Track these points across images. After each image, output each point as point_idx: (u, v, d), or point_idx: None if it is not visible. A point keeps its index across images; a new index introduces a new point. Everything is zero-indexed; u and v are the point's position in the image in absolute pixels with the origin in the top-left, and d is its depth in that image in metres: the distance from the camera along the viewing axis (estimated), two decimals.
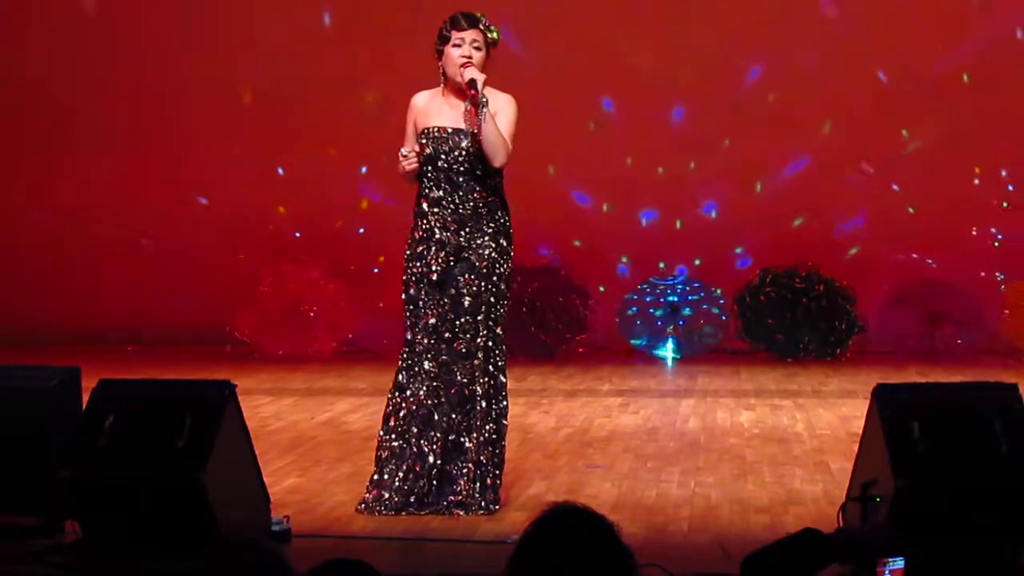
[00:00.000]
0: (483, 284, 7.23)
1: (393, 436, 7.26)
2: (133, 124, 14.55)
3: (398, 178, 7.43)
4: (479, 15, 7.33)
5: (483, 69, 7.25)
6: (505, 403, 7.32)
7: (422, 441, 7.21)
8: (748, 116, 14.03)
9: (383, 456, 7.27)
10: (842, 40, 14.03)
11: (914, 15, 13.92)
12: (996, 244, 14.20)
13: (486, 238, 7.25)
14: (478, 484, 7.16)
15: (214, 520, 6.07)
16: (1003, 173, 14.17)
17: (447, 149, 7.27)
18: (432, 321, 7.24)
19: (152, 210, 14.56)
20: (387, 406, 7.34)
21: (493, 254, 7.25)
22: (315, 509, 7.31)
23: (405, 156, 7.30)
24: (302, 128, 14.33)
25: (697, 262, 14.39)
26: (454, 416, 7.21)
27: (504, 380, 7.33)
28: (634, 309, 14.14)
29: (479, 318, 7.22)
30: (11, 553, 6.36)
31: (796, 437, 9.47)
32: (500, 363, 7.29)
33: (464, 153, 7.24)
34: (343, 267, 14.10)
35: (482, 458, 7.18)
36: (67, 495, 6.28)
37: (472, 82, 7.17)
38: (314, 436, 9.57)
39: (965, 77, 14.04)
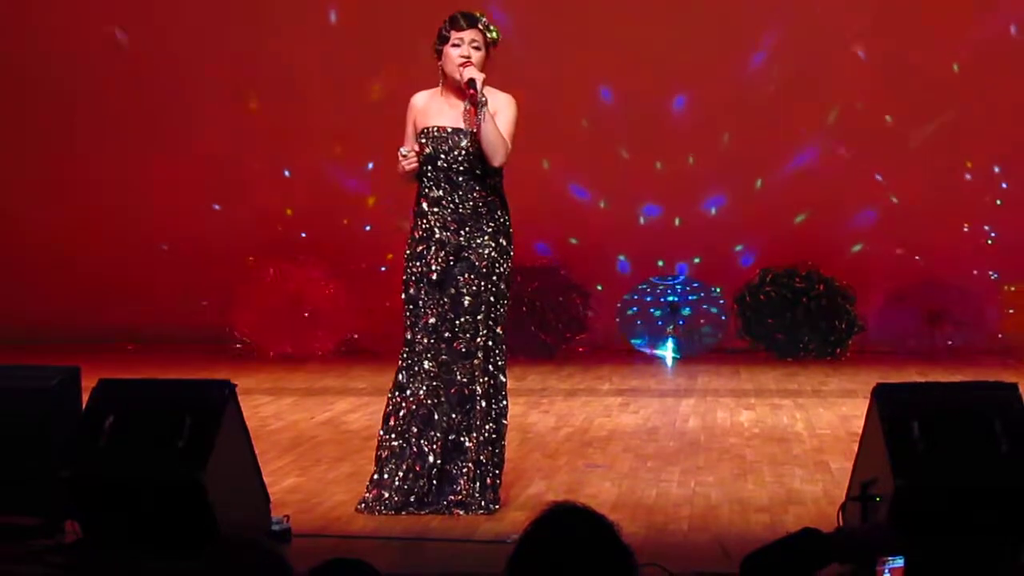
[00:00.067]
0: (483, 284, 7.23)
1: (393, 436, 7.26)
2: (135, 125, 14.54)
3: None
4: (478, 15, 7.33)
5: (482, 69, 7.25)
6: (505, 403, 7.32)
7: (422, 441, 7.21)
8: (748, 111, 14.01)
9: (383, 456, 7.27)
10: (841, 33, 14.02)
11: (912, 12, 13.92)
12: (989, 242, 14.20)
13: (486, 237, 7.25)
14: (478, 484, 7.16)
15: (214, 520, 6.07)
16: (996, 170, 14.17)
17: (447, 149, 7.27)
18: (432, 321, 7.25)
19: (153, 211, 14.55)
20: (387, 406, 7.34)
21: (493, 253, 7.25)
22: (315, 509, 7.31)
23: (404, 156, 7.30)
24: (307, 128, 14.33)
25: (697, 260, 14.39)
26: (454, 416, 7.21)
27: (504, 380, 7.33)
28: (634, 309, 14.14)
29: (479, 318, 7.22)
30: (11, 553, 6.36)
31: (796, 436, 9.48)
32: (500, 363, 7.30)
33: (464, 153, 7.24)
34: (350, 266, 14.06)
35: (482, 457, 7.18)
36: (67, 495, 6.28)
37: (471, 82, 7.17)
38: (314, 436, 9.57)
39: (955, 67, 14.03)
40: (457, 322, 7.23)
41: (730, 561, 5.87)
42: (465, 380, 7.21)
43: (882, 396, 6.16)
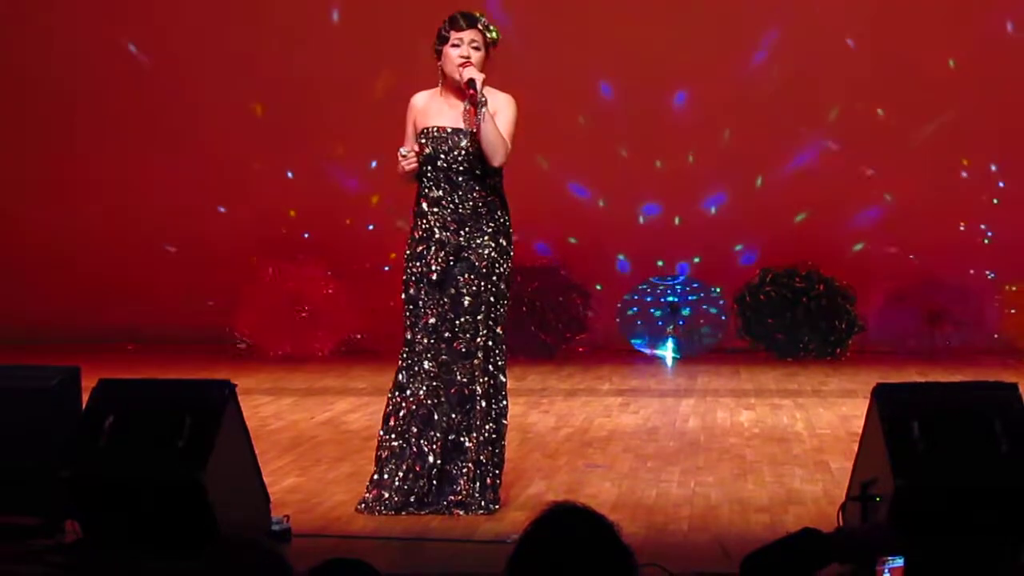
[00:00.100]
0: (483, 284, 7.23)
1: (393, 436, 7.26)
2: (136, 125, 14.54)
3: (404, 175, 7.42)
4: (478, 15, 7.33)
5: (482, 69, 7.25)
6: (505, 403, 7.32)
7: (422, 441, 7.21)
8: (749, 108, 14.01)
9: (383, 456, 7.27)
10: (841, 32, 14.02)
11: (909, 10, 13.93)
12: (986, 241, 14.21)
13: (486, 238, 7.25)
14: (478, 484, 7.16)
15: (214, 520, 6.07)
16: (992, 168, 14.18)
17: (446, 149, 7.27)
18: (432, 321, 7.25)
19: (154, 211, 14.55)
20: (387, 406, 7.34)
21: (493, 254, 7.25)
22: (315, 509, 7.31)
23: (404, 156, 7.31)
24: (309, 128, 14.32)
25: (696, 260, 14.38)
26: (454, 416, 7.21)
27: (504, 380, 7.33)
28: (634, 309, 14.14)
29: (479, 318, 7.22)
30: (11, 553, 6.36)
31: (796, 436, 9.48)
32: (500, 363, 7.30)
33: (463, 153, 7.25)
34: (353, 266, 14.05)
35: (482, 458, 7.18)
36: (67, 495, 6.28)
37: (471, 82, 7.17)
38: (314, 436, 9.57)
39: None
40: (457, 322, 7.23)
41: (730, 561, 5.87)
42: (465, 380, 7.21)
43: (882, 396, 6.16)
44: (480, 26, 7.28)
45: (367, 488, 7.27)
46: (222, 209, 14.69)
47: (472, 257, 7.24)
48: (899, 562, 5.07)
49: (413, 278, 7.30)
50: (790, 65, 14.05)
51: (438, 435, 7.19)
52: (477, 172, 7.25)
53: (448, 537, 6.73)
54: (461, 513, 7.11)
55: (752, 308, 13.77)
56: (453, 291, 7.25)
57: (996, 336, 13.93)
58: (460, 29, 7.27)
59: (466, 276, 7.24)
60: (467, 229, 7.25)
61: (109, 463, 6.29)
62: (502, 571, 3.60)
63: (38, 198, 14.64)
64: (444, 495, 7.17)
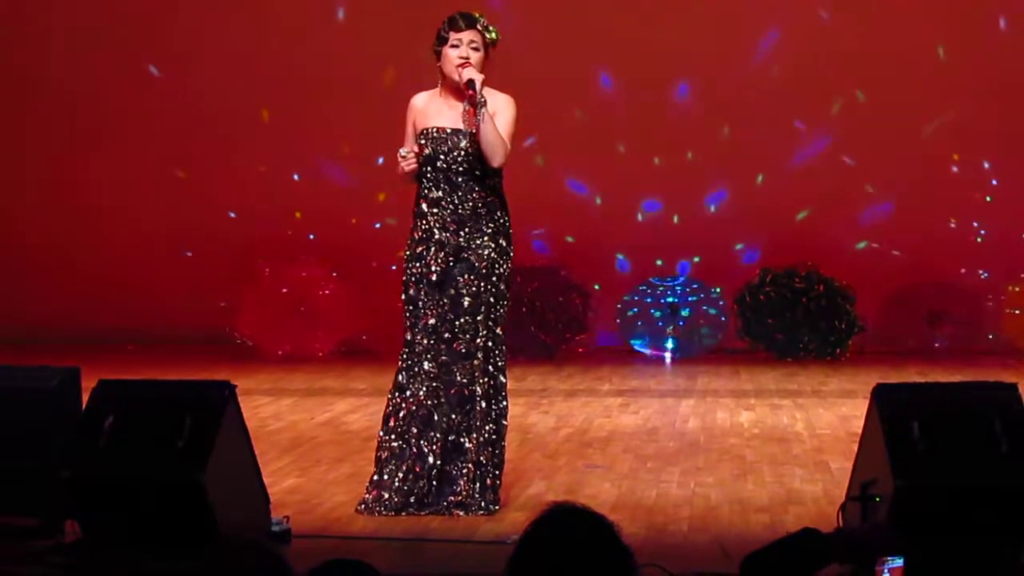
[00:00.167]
0: (482, 284, 7.23)
1: (393, 436, 7.26)
2: (137, 125, 14.55)
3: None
4: (477, 15, 7.33)
5: (481, 69, 7.25)
6: (505, 403, 7.32)
7: (422, 441, 7.21)
8: (748, 106, 14.01)
9: (383, 456, 7.27)
10: (839, 31, 14.03)
11: (905, 6, 13.95)
12: (979, 240, 14.21)
13: (485, 238, 7.25)
14: (478, 484, 7.16)
15: (214, 520, 6.07)
16: (985, 165, 14.18)
17: (446, 149, 7.27)
18: (432, 321, 7.25)
19: (155, 212, 14.55)
20: (387, 406, 7.34)
21: (492, 254, 7.25)
22: (315, 509, 7.31)
23: (404, 157, 7.31)
24: (315, 128, 14.30)
25: (696, 259, 14.38)
26: (454, 416, 7.21)
27: (504, 380, 7.33)
28: (634, 310, 14.13)
29: (479, 318, 7.22)
30: (11, 553, 6.36)
31: (796, 437, 9.48)
32: (500, 363, 7.30)
33: (463, 153, 7.25)
34: (359, 265, 14.02)
35: (482, 458, 7.18)
36: (67, 495, 6.28)
37: (470, 82, 7.17)
38: (314, 436, 9.57)
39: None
40: (457, 323, 7.23)
41: (730, 561, 5.87)
42: (465, 381, 7.21)
43: (882, 396, 6.16)
44: (479, 27, 7.28)
45: (367, 489, 7.27)
46: (232, 215, 14.66)
47: (472, 258, 7.24)
48: (899, 562, 5.07)
49: (413, 279, 7.30)
50: (789, 63, 14.04)
51: (438, 436, 7.19)
52: (477, 173, 7.25)
53: (448, 538, 6.73)
54: (461, 514, 7.11)
55: (752, 308, 13.77)
56: (453, 292, 7.25)
57: (994, 336, 13.92)
58: (459, 30, 7.27)
59: (466, 277, 7.24)
60: (467, 230, 7.25)
61: (109, 464, 6.29)
62: (502, 572, 3.60)
63: (38, 198, 14.64)
64: (444, 496, 7.17)
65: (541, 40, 13.74)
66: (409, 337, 7.30)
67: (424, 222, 7.30)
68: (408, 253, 7.34)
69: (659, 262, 14.36)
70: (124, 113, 14.53)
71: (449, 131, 7.28)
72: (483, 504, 7.15)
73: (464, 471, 7.16)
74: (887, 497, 5.87)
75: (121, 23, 14.54)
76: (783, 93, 14.06)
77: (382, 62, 14.02)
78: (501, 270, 7.28)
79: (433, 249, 7.26)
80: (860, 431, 6.55)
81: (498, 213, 7.30)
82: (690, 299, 14.08)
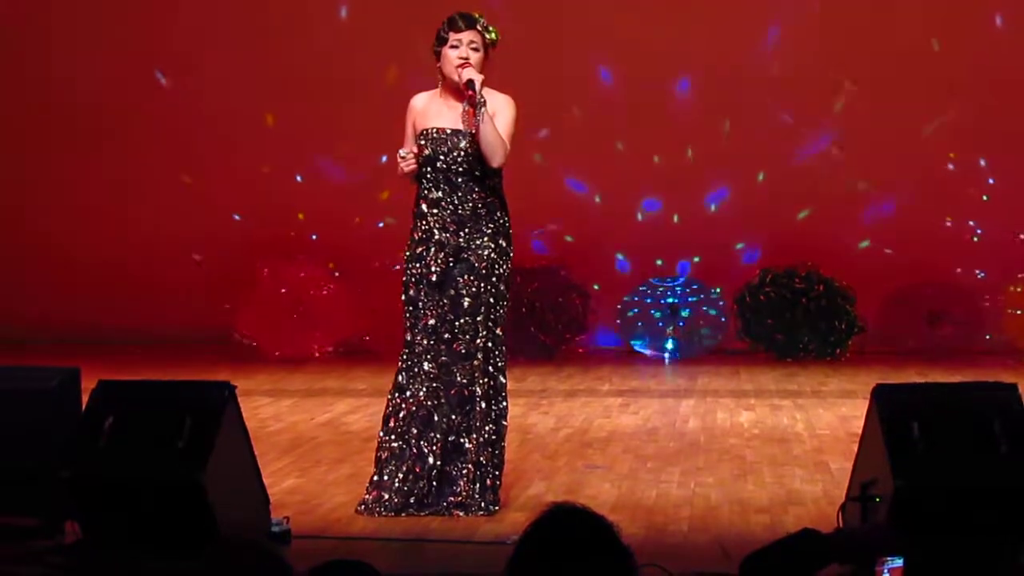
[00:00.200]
0: (482, 285, 7.23)
1: (393, 437, 7.26)
2: (137, 125, 14.54)
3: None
4: (477, 16, 7.33)
5: (481, 70, 7.25)
6: (505, 404, 7.32)
7: (422, 442, 7.21)
8: (748, 106, 14.00)
9: (383, 457, 7.27)
10: (840, 28, 14.04)
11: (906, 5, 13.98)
12: (974, 239, 14.21)
13: (485, 239, 7.25)
14: (478, 485, 7.16)
15: (214, 521, 6.07)
16: (982, 163, 14.18)
17: (446, 150, 7.27)
18: (432, 322, 7.25)
19: (157, 212, 14.55)
20: (387, 407, 7.34)
21: (492, 255, 7.25)
22: (315, 510, 7.32)
23: (403, 158, 7.31)
24: (318, 127, 14.28)
25: (696, 260, 14.37)
26: (454, 417, 7.21)
27: (504, 381, 7.33)
28: (634, 310, 14.13)
29: (478, 319, 7.22)
30: (11, 554, 6.36)
31: (796, 437, 9.48)
32: (500, 364, 7.30)
33: (463, 154, 7.25)
34: (362, 265, 14.00)
35: (482, 459, 7.18)
36: (67, 496, 6.28)
37: (470, 83, 7.17)
38: (314, 437, 9.57)
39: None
40: (457, 323, 7.23)
41: (730, 562, 5.88)
42: (465, 381, 7.21)
43: (882, 397, 6.16)
44: (479, 27, 7.28)
45: (367, 489, 7.27)
46: (237, 217, 14.66)
47: (472, 258, 7.24)
48: (898, 563, 5.08)
49: (413, 279, 7.31)
50: (790, 63, 14.04)
51: (438, 436, 7.20)
52: (476, 173, 7.25)
53: (448, 538, 6.73)
54: (461, 514, 7.11)
55: (752, 309, 13.77)
56: (453, 292, 7.25)
57: (989, 337, 13.92)
58: (459, 30, 7.27)
59: (466, 277, 7.24)
60: (467, 230, 7.25)
61: (109, 464, 6.29)
62: (502, 572, 3.60)
63: (38, 198, 14.63)
64: (444, 496, 7.17)
65: (541, 39, 13.72)
66: (409, 338, 7.30)
67: (424, 223, 7.31)
68: (408, 254, 7.35)
69: (659, 262, 14.36)
70: (125, 113, 14.53)
71: (449, 132, 7.28)
72: (483, 505, 7.15)
73: (464, 472, 7.16)
74: (887, 497, 5.87)
75: (121, 23, 14.54)
76: (783, 93, 14.06)
77: (385, 60, 14.00)
78: (501, 270, 7.29)
79: (433, 250, 7.26)
80: (860, 431, 6.55)
81: (498, 214, 7.30)
82: (690, 299, 14.08)
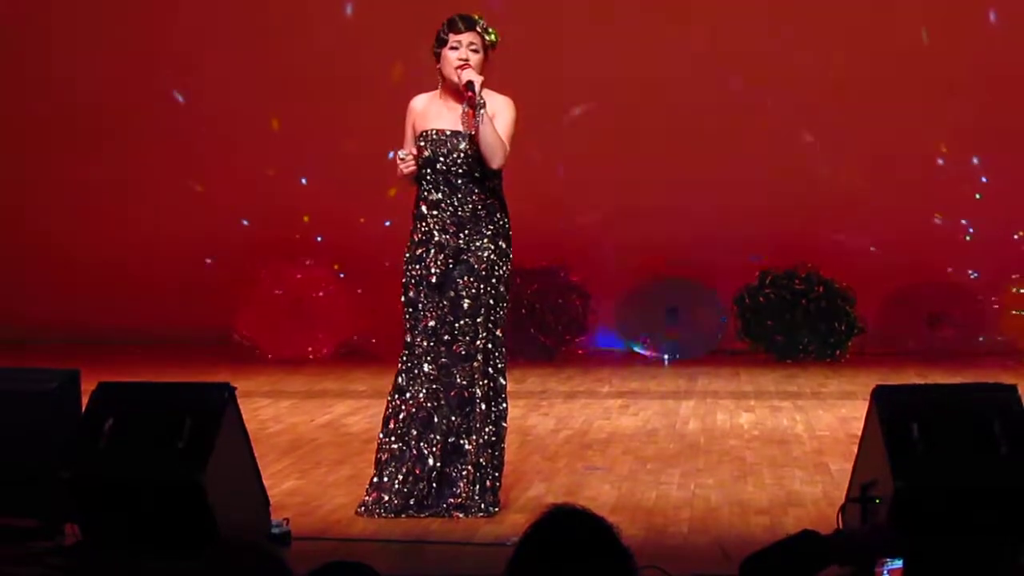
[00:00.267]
0: (482, 286, 7.23)
1: (393, 439, 7.26)
2: (138, 125, 14.54)
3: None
4: (476, 17, 7.33)
5: (481, 71, 7.25)
6: (505, 405, 7.32)
7: (422, 443, 7.21)
8: (748, 106, 14.00)
9: (383, 458, 7.27)
10: (838, 27, 14.04)
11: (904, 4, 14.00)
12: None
13: (485, 240, 7.25)
14: (478, 486, 7.16)
15: (214, 522, 6.07)
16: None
17: (445, 152, 7.27)
18: (431, 324, 7.25)
19: (158, 214, 14.55)
20: (386, 408, 7.34)
21: (492, 256, 7.26)
22: (315, 511, 7.32)
23: (403, 159, 7.31)
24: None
25: (696, 260, 14.36)
26: (454, 418, 7.21)
27: (504, 382, 7.33)
28: (634, 311, 14.12)
29: (478, 320, 7.22)
30: (11, 555, 6.36)
31: (796, 438, 9.48)
32: (500, 365, 7.30)
33: (462, 155, 7.25)
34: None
35: (481, 460, 7.18)
36: (67, 497, 6.28)
37: (469, 84, 7.17)
38: (313, 438, 9.57)
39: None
40: (456, 325, 7.23)
41: (730, 563, 5.87)
42: (465, 383, 7.21)
43: (882, 398, 6.16)
44: (479, 28, 7.28)
45: (367, 491, 7.27)
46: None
47: (471, 260, 7.24)
48: (898, 564, 5.08)
49: (413, 281, 7.31)
50: (791, 63, 14.03)
51: (438, 438, 7.19)
52: (476, 175, 7.26)
53: (448, 540, 6.73)
54: (461, 516, 7.11)
55: (751, 310, 13.77)
56: (452, 294, 7.25)
57: (983, 339, 13.92)
58: (458, 32, 7.27)
59: (465, 279, 7.24)
60: (466, 232, 7.25)
61: (109, 465, 6.29)
62: (502, 574, 3.60)
63: (39, 198, 14.63)
64: (444, 498, 7.17)
65: (541, 38, 13.72)
66: (409, 339, 7.30)
67: (424, 224, 7.31)
68: (408, 255, 7.35)
69: (659, 263, 14.33)
70: (125, 113, 14.52)
71: (449, 133, 7.28)
72: (483, 506, 7.15)
73: (464, 473, 7.16)
74: (887, 499, 5.87)
75: (121, 23, 14.53)
76: (784, 94, 14.06)
77: (389, 57, 13.97)
78: (501, 272, 7.29)
79: (433, 251, 7.26)
80: (860, 433, 6.55)
81: (498, 215, 7.30)
82: (690, 300, 14.07)
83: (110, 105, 14.52)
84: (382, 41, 14.03)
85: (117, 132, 14.54)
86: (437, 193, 7.28)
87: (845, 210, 14.13)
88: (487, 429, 7.21)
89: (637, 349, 14.04)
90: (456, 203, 7.26)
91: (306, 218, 14.60)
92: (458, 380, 7.21)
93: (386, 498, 7.17)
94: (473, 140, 7.21)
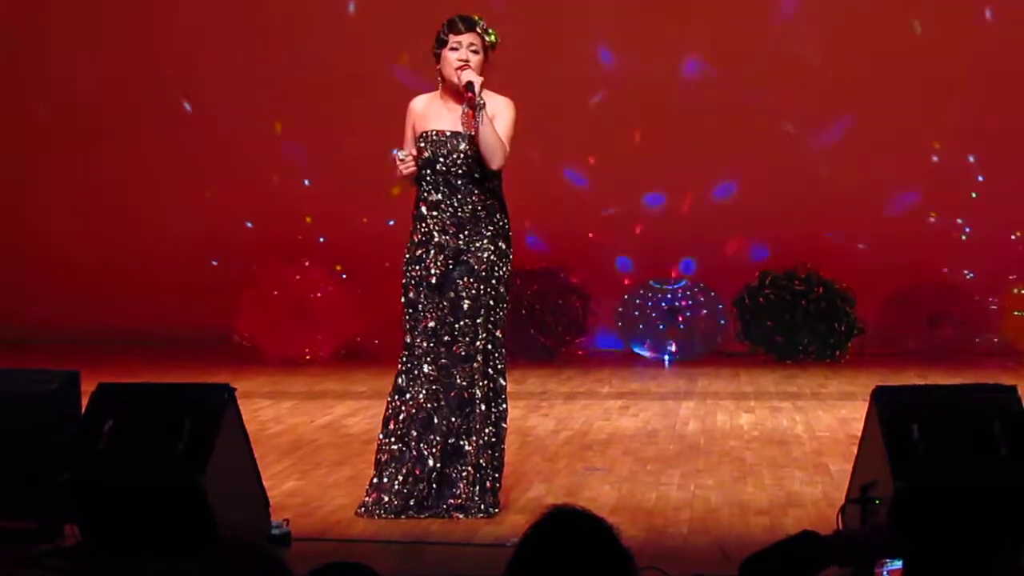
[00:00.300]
0: (482, 287, 7.23)
1: (393, 439, 7.26)
2: (139, 125, 14.55)
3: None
4: (476, 18, 7.33)
5: (481, 72, 7.26)
6: (504, 406, 7.32)
7: (422, 444, 7.21)
8: (747, 107, 14.01)
9: (383, 459, 7.27)
10: (834, 26, 14.04)
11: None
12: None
13: (485, 241, 7.25)
14: (477, 487, 7.16)
15: (214, 523, 6.07)
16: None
17: (445, 152, 7.27)
18: (431, 324, 7.25)
19: (159, 215, 14.55)
20: (386, 409, 7.34)
21: (492, 257, 7.26)
22: (315, 512, 7.32)
23: (402, 160, 7.31)
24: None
25: (696, 261, 14.37)
26: (454, 419, 7.21)
27: (504, 383, 7.33)
28: (634, 312, 14.13)
29: (478, 321, 7.22)
30: (11, 557, 6.36)
31: (796, 439, 9.48)
32: (500, 366, 7.30)
33: (462, 156, 7.25)
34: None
35: (481, 461, 7.18)
36: (67, 498, 6.28)
37: (469, 85, 7.17)
38: (313, 439, 9.57)
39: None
40: (456, 326, 7.23)
41: (730, 564, 5.87)
42: (465, 384, 7.21)
43: (881, 398, 6.16)
44: (479, 29, 7.28)
45: (367, 492, 7.27)
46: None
47: (471, 260, 7.24)
48: (897, 564, 5.08)
49: (412, 282, 7.31)
50: (790, 64, 14.04)
51: (438, 439, 7.19)
52: (476, 175, 7.26)
53: (448, 541, 6.73)
54: (461, 517, 7.11)
55: (751, 311, 13.77)
56: (452, 295, 7.25)
57: (978, 340, 13.93)
58: (459, 32, 7.27)
59: (465, 279, 7.24)
60: (466, 233, 7.25)
61: (109, 467, 6.29)
62: (502, 574, 3.60)
63: (39, 199, 14.63)
64: (444, 499, 7.17)
65: (541, 38, 13.72)
66: (409, 340, 7.30)
67: (424, 225, 7.31)
68: (408, 256, 7.35)
69: (659, 264, 14.34)
70: (125, 113, 14.53)
71: (448, 134, 7.28)
72: (483, 507, 7.15)
73: (464, 474, 7.16)
74: (887, 499, 5.87)
75: (121, 23, 14.53)
76: (784, 95, 14.06)
77: (393, 54, 13.97)
78: (501, 273, 7.29)
79: (433, 252, 7.27)
80: (860, 433, 6.55)
81: (497, 216, 7.30)
82: (690, 302, 14.08)
83: (110, 105, 14.52)
84: (384, 40, 14.02)
85: (117, 132, 14.55)
86: (437, 194, 7.28)
87: (845, 211, 14.12)
88: (487, 430, 7.21)
89: (637, 350, 14.05)
90: (456, 204, 7.26)
91: (308, 219, 14.60)
92: (458, 381, 7.21)
93: (386, 499, 7.17)
94: (473, 141, 7.21)
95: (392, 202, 13.94)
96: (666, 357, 13.91)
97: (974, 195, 14.19)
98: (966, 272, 14.16)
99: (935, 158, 14.21)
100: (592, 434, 9.73)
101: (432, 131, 7.31)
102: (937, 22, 13.97)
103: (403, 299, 7.33)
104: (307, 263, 14.13)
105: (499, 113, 7.25)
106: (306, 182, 14.62)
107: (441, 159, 7.27)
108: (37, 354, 12.36)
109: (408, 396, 7.25)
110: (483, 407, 7.20)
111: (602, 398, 11.50)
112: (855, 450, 6.58)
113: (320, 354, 13.96)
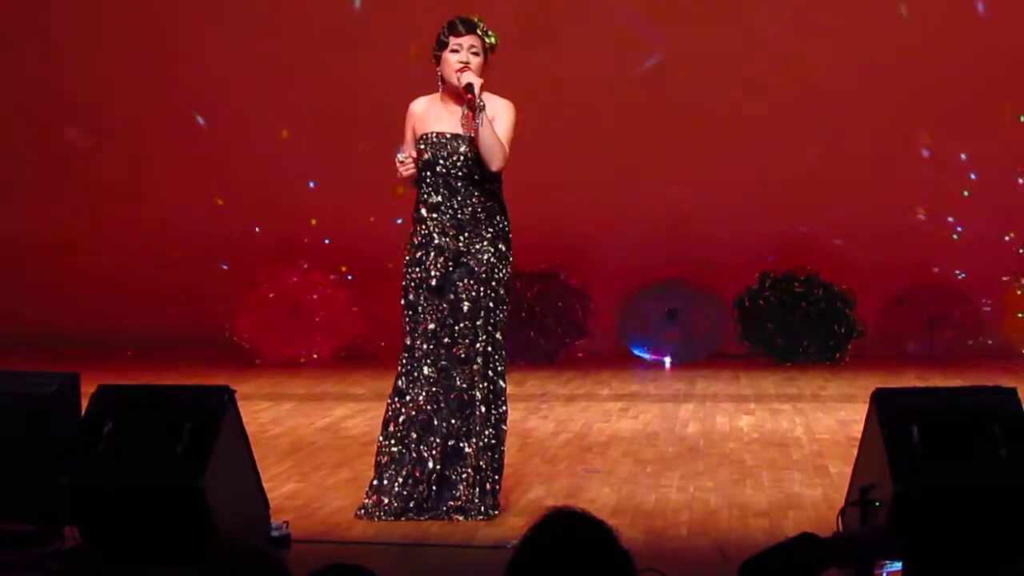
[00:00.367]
0: (482, 289, 7.24)
1: (392, 441, 7.26)
2: (139, 125, 14.53)
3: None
4: (477, 20, 7.34)
5: (481, 74, 7.26)
6: (504, 408, 7.32)
7: (421, 446, 7.21)
8: (748, 108, 14.01)
9: (382, 461, 7.27)
10: (834, 30, 14.04)
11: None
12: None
13: (485, 243, 7.26)
14: (477, 489, 7.16)
15: (213, 526, 6.07)
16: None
17: (445, 154, 7.27)
18: (431, 326, 7.25)
19: (159, 217, 14.54)
20: (386, 411, 7.34)
21: (492, 259, 7.26)
22: (314, 514, 7.32)
23: (402, 162, 7.32)
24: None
25: (696, 263, 14.36)
26: (453, 421, 7.21)
27: (503, 385, 7.33)
28: (634, 314, 14.12)
29: (478, 323, 7.22)
30: (11, 559, 6.36)
31: (795, 441, 9.48)
32: (499, 368, 7.30)
33: (462, 158, 7.25)
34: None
35: (481, 463, 7.18)
36: (66, 501, 6.28)
37: (469, 86, 7.18)
38: (313, 441, 9.57)
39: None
40: (456, 328, 7.23)
41: (729, 566, 5.87)
42: (465, 386, 7.21)
43: (881, 400, 6.16)
44: (479, 31, 7.29)
45: (367, 494, 7.27)
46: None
47: (471, 262, 7.24)
48: (897, 566, 5.08)
49: (412, 284, 7.31)
50: (791, 65, 14.03)
51: (438, 441, 7.20)
52: (476, 177, 7.26)
53: (448, 542, 6.73)
54: (460, 518, 7.11)
55: (751, 313, 13.77)
56: (452, 297, 7.25)
57: (973, 343, 13.92)
58: (459, 34, 7.28)
59: (465, 281, 7.24)
60: (466, 234, 7.26)
61: (108, 469, 6.29)
62: None
63: (39, 200, 14.63)
64: (444, 500, 7.17)
65: (541, 38, 13.72)
66: (409, 342, 7.30)
67: (424, 227, 7.31)
68: (408, 258, 7.35)
69: (659, 266, 14.33)
70: (125, 113, 14.52)
71: (448, 136, 7.29)
72: (482, 509, 7.15)
73: (464, 476, 7.16)
74: (887, 501, 5.87)
75: (121, 23, 14.52)
76: (784, 96, 14.05)
77: (400, 55, 13.94)
78: (500, 275, 7.29)
79: (432, 254, 7.27)
80: (860, 435, 6.55)
81: (497, 217, 7.31)
82: (690, 303, 14.06)
83: (111, 106, 14.51)
84: (388, 38, 14.01)
85: (118, 133, 14.54)
86: (437, 196, 7.28)
87: (845, 212, 14.11)
88: (487, 432, 7.21)
89: (637, 352, 14.04)
90: (456, 206, 7.27)
91: (314, 221, 14.59)
92: (458, 383, 7.22)
93: (386, 501, 7.18)
94: (473, 143, 7.21)
95: (396, 203, 13.93)
96: (666, 359, 13.90)
97: (966, 193, 14.18)
98: (957, 272, 14.14)
99: (925, 152, 14.18)
100: (592, 436, 9.73)
101: (432, 133, 7.31)
102: (929, 18, 13.95)
103: (403, 301, 7.33)
104: (306, 265, 14.13)
105: (499, 115, 7.26)
106: (311, 184, 14.61)
107: (441, 161, 7.27)
108: (36, 356, 12.36)
109: (408, 398, 7.25)
110: (483, 409, 7.20)
111: (602, 400, 11.50)
112: (855, 452, 6.58)
113: (314, 357, 13.94)
